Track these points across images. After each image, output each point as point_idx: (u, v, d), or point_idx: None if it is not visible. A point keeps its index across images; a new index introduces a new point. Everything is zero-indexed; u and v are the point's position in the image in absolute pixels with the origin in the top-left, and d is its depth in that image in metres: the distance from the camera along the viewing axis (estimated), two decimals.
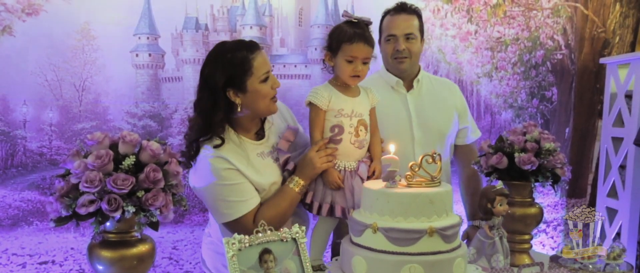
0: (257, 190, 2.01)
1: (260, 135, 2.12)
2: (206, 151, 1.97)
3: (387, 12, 2.55)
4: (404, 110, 2.53)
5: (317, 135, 2.02)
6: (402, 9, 2.51)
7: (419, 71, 2.59)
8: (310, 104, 2.01)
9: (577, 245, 2.08)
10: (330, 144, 2.01)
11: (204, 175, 1.97)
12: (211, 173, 1.95)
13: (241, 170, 1.97)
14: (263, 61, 1.98)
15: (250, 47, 1.98)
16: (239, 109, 1.98)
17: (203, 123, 1.97)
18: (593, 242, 2.11)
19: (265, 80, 1.99)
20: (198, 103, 2.01)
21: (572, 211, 2.10)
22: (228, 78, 1.94)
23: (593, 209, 2.12)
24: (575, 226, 2.10)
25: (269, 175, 2.05)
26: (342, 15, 2.05)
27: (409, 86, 2.57)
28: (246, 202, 1.97)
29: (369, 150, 2.09)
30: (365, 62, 2.01)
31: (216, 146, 1.95)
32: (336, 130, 2.00)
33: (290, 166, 2.05)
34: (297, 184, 2.00)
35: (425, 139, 2.51)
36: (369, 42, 2.00)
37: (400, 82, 2.54)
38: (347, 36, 1.97)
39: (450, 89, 2.71)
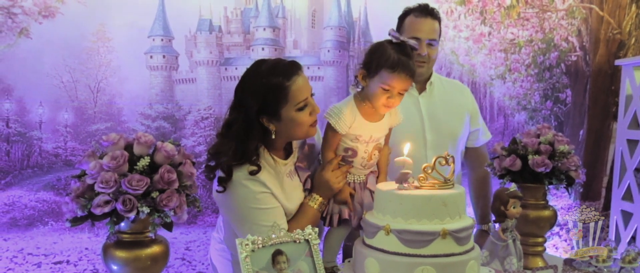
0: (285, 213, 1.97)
1: (288, 151, 2.03)
2: (241, 174, 1.87)
3: (410, 11, 2.49)
4: (416, 112, 2.52)
5: (330, 154, 1.97)
6: (428, 12, 2.47)
7: (431, 73, 2.59)
8: (328, 122, 1.92)
9: (577, 244, 2.08)
10: (344, 163, 1.98)
11: (239, 198, 1.90)
12: (247, 196, 1.88)
13: (275, 194, 1.91)
14: (300, 87, 1.85)
15: (286, 73, 1.84)
16: (273, 136, 1.89)
17: (236, 148, 1.85)
18: (594, 240, 2.11)
19: (303, 107, 1.87)
20: (231, 125, 1.88)
21: (572, 212, 2.10)
22: (261, 105, 1.84)
23: (592, 209, 2.11)
24: (575, 226, 2.09)
25: (296, 198, 2.00)
26: (389, 34, 1.89)
27: (421, 88, 2.56)
28: (277, 228, 1.91)
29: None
30: (401, 93, 1.89)
31: (252, 172, 1.86)
32: (350, 152, 1.96)
33: (307, 185, 2.03)
34: (316, 201, 1.98)
35: (437, 141, 2.50)
36: (412, 73, 1.86)
37: (412, 85, 2.53)
38: (390, 62, 1.82)
39: (461, 92, 2.70)
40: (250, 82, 1.87)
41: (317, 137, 2.16)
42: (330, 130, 1.94)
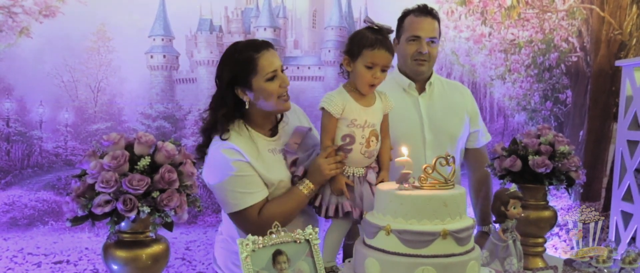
0: (266, 184, 2.05)
1: (273, 132, 2.17)
2: (217, 143, 2.03)
3: (409, 12, 2.54)
4: (416, 113, 2.53)
5: (327, 141, 2.01)
6: (427, 12, 2.51)
7: (431, 74, 2.60)
8: (322, 109, 2.00)
9: (577, 245, 2.08)
10: (340, 152, 2.00)
11: (215, 165, 2.04)
12: (221, 163, 2.01)
13: (251, 162, 2.01)
14: (269, 60, 2.02)
15: (256, 47, 2.03)
16: (247, 106, 2.05)
17: (212, 118, 2.06)
18: (594, 240, 2.11)
19: (272, 79, 2.02)
20: (211, 100, 2.10)
21: (572, 212, 2.11)
22: (233, 76, 2.02)
23: (592, 209, 2.11)
24: (575, 226, 2.10)
25: (278, 171, 2.08)
26: (364, 21, 2.03)
27: (421, 89, 2.57)
28: (252, 194, 2.01)
29: (376, 157, 2.08)
30: (384, 70, 1.99)
31: (223, 139, 2.02)
32: (347, 139, 1.99)
33: (300, 172, 2.06)
34: (306, 187, 2.02)
35: (436, 142, 2.52)
36: (390, 50, 1.98)
37: (412, 85, 2.54)
38: (369, 41, 1.95)
39: (461, 93, 2.71)
40: (225, 58, 2.07)
41: (314, 129, 2.28)
42: (325, 116, 2.00)
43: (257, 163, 2.03)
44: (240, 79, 2.02)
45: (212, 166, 2.05)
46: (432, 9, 2.54)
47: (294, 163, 2.09)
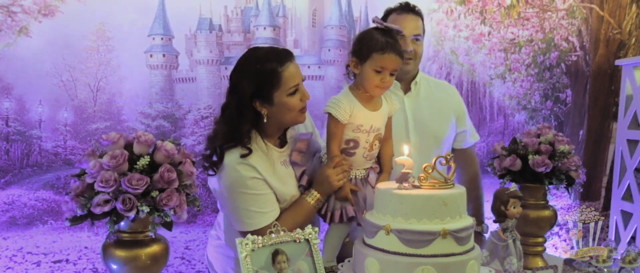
0: (278, 199, 1.99)
1: (282, 141, 2.08)
2: (233, 157, 1.92)
3: (392, 11, 2.50)
4: (401, 113, 2.48)
5: (335, 149, 1.96)
6: (409, 9, 2.47)
7: (417, 73, 2.56)
8: (329, 115, 1.95)
9: (577, 244, 2.08)
10: (346, 159, 1.98)
11: (229, 182, 1.94)
12: (237, 180, 1.92)
13: (267, 180, 1.95)
14: (292, 73, 1.93)
15: (280, 59, 1.92)
16: (265, 120, 1.95)
17: (229, 131, 1.93)
18: (593, 240, 2.11)
19: (294, 93, 1.94)
20: (225, 109, 1.97)
21: (572, 212, 2.11)
22: (255, 89, 1.91)
23: (592, 209, 2.12)
24: (575, 226, 2.10)
25: (291, 185, 2.03)
26: (373, 20, 1.97)
27: (407, 89, 2.53)
28: (267, 214, 1.95)
29: (377, 157, 2.07)
30: (392, 74, 1.94)
31: (243, 156, 1.91)
32: (351, 144, 1.97)
33: (303, 181, 2.03)
34: (313, 197, 1.99)
35: (421, 142, 2.46)
36: (400, 53, 1.92)
37: (397, 85, 2.49)
38: (379, 44, 1.89)
39: (448, 92, 2.67)
40: (245, 67, 1.95)
41: (314, 129, 2.23)
42: (332, 122, 1.95)
43: (273, 179, 1.96)
44: (262, 92, 1.91)
45: (227, 182, 1.94)
46: (414, 6, 2.49)
47: (303, 175, 2.05)
